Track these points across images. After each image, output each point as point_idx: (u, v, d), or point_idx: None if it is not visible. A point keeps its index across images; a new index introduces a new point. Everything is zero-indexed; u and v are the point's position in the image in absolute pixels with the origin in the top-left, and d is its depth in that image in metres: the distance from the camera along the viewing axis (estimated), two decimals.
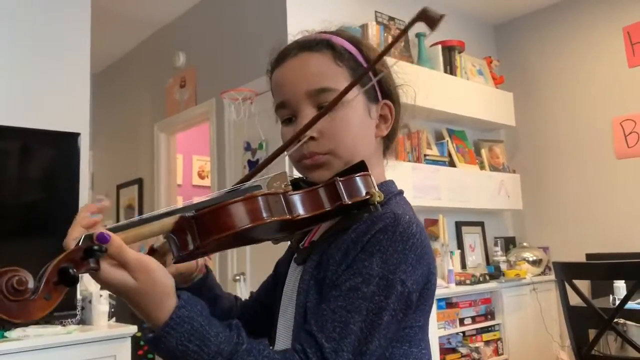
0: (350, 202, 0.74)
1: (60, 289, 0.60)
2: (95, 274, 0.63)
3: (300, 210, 0.73)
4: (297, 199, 0.73)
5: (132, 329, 2.38)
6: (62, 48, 2.80)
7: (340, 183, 0.75)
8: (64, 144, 2.54)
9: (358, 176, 0.77)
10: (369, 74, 0.87)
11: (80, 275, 0.61)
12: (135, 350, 3.71)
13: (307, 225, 0.80)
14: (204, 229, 0.67)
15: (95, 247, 0.61)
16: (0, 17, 2.63)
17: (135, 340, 2.44)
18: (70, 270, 0.59)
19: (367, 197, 0.75)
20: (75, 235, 0.66)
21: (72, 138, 2.54)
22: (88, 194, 2.82)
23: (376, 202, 0.76)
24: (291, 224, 0.74)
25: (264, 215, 0.68)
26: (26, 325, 2.13)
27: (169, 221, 0.69)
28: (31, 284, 0.58)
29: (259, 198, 0.69)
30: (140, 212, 4.32)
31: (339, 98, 0.79)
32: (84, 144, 2.64)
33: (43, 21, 2.76)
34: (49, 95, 2.71)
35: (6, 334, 2.12)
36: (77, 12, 2.89)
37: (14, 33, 2.67)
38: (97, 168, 4.71)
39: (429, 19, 0.73)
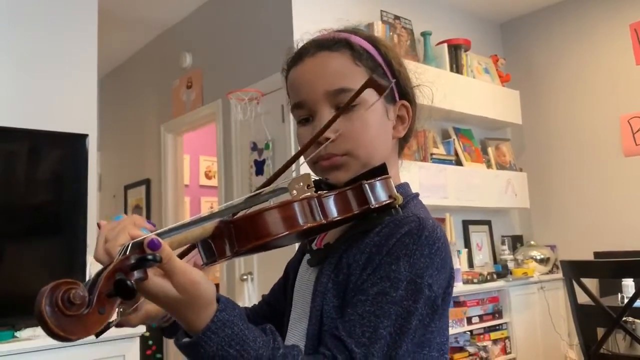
0: (377, 206, 0.73)
1: (113, 301, 0.55)
2: (140, 284, 0.58)
3: (333, 214, 0.71)
4: (330, 202, 0.72)
5: (141, 329, 2.39)
6: (70, 51, 2.82)
7: (367, 186, 0.74)
8: (72, 146, 2.55)
9: (380, 179, 0.76)
10: (387, 74, 0.86)
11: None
12: (144, 349, 3.73)
13: (331, 228, 0.78)
14: (242, 235, 0.65)
15: (149, 257, 0.57)
16: (8, 21, 2.66)
17: (143, 340, 2.45)
18: (128, 282, 0.54)
19: (391, 200, 0.75)
20: (121, 242, 0.61)
21: (80, 139, 2.56)
22: (96, 195, 2.83)
23: (397, 206, 0.76)
24: (319, 228, 0.72)
25: (301, 221, 0.67)
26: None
27: (210, 226, 0.67)
28: (86, 298, 0.53)
29: (295, 204, 0.67)
30: (148, 213, 4.34)
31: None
32: (92, 146, 2.66)
33: (50, 24, 2.78)
34: (57, 97, 2.73)
35: (17, 334, 2.14)
36: (84, 15, 2.91)
37: (21, 36, 2.69)
38: (104, 169, 4.74)
39: (377, 85, 0.78)
